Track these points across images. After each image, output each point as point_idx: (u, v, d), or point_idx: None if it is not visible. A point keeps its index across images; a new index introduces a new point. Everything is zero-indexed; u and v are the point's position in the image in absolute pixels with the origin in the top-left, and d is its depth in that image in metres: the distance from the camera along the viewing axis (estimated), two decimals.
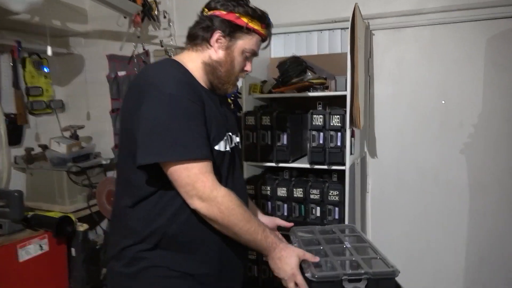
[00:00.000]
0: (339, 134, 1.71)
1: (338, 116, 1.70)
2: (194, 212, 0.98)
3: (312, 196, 1.76)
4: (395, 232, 2.15)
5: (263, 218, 1.34)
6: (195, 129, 0.95)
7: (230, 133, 1.11)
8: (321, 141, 1.73)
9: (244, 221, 0.98)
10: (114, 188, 1.13)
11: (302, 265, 1.07)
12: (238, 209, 0.97)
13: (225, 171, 1.08)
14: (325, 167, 1.75)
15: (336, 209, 1.73)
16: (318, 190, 1.75)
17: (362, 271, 1.03)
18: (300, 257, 1.05)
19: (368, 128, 2.13)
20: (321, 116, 1.72)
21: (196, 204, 0.95)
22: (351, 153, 1.74)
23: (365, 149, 2.16)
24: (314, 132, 1.74)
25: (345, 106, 1.72)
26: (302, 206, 1.80)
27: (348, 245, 1.22)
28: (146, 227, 0.99)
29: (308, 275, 1.03)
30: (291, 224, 1.35)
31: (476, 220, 1.99)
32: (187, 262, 1.01)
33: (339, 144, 1.71)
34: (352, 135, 1.76)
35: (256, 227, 1.00)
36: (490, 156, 1.93)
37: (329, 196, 1.73)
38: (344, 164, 1.72)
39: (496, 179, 1.93)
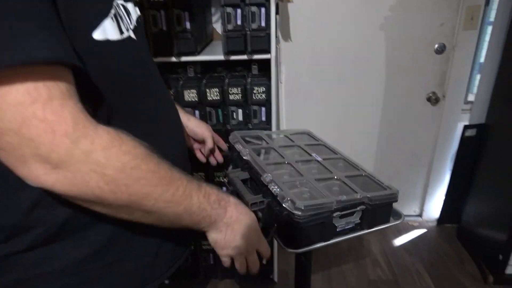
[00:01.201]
0: (262, 10, 1.27)
1: None
2: None
3: (231, 97, 1.37)
4: (309, 123, 1.97)
5: (191, 122, 0.93)
6: None
7: (123, 0, 0.55)
8: (238, 22, 1.28)
9: (163, 184, 0.52)
10: None
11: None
12: (145, 165, 0.50)
13: (138, 87, 0.58)
14: (245, 57, 1.34)
15: (263, 109, 1.40)
16: (239, 89, 1.36)
17: (359, 196, 0.76)
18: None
19: (281, 3, 1.72)
20: None
21: (40, 176, 0.44)
22: (276, 36, 1.36)
23: (278, 31, 1.79)
24: (229, 9, 1.26)
25: None
26: (219, 110, 1.40)
27: (318, 158, 0.93)
28: (7, 216, 0.50)
29: (287, 204, 0.70)
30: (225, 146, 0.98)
31: (389, 100, 1.92)
32: (96, 256, 0.57)
33: (263, 24, 1.29)
34: (277, 12, 1.35)
35: (185, 185, 0.56)
36: (408, 32, 1.77)
37: (253, 95, 1.36)
38: (269, 52, 1.33)
39: (411, 57, 1.82)
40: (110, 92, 0.53)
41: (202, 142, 1.01)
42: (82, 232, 0.55)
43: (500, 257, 1.63)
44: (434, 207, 2.13)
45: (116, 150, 0.47)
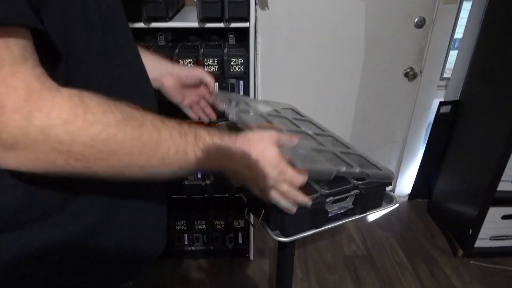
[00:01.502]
0: None
1: None
2: None
3: (207, 69, 1.26)
4: (286, 97, 1.90)
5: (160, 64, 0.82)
6: None
7: None
8: None
9: (147, 150, 0.45)
10: None
11: None
12: (122, 132, 0.42)
13: (100, 53, 0.49)
14: (221, 25, 1.23)
15: (241, 82, 1.30)
16: (215, 60, 1.25)
17: (357, 170, 0.70)
18: (275, 139, 0.61)
19: None
20: None
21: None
22: (255, 3, 1.25)
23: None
24: None
25: None
26: None
27: (310, 132, 0.86)
28: None
29: None
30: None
31: (367, 75, 1.87)
32: (60, 246, 0.51)
33: None
34: None
35: (178, 143, 0.48)
36: (389, 3, 1.71)
37: (231, 67, 1.27)
38: (248, 20, 1.23)
39: (391, 30, 1.77)
40: (68, 57, 0.44)
41: (197, 86, 0.89)
42: (40, 222, 0.48)
43: (470, 231, 1.67)
44: (407, 182, 2.16)
45: (80, 122, 0.39)
